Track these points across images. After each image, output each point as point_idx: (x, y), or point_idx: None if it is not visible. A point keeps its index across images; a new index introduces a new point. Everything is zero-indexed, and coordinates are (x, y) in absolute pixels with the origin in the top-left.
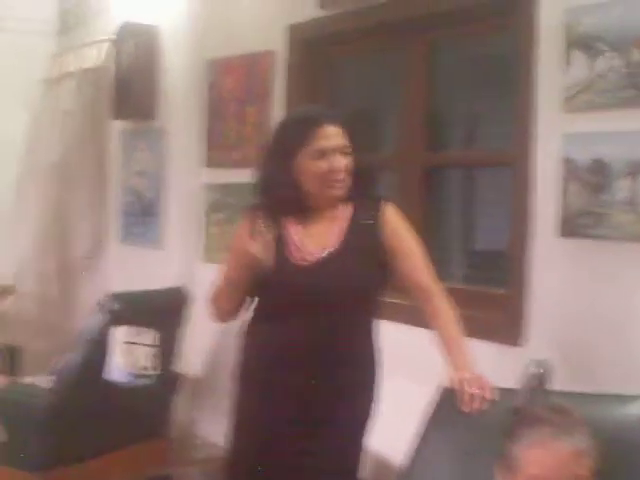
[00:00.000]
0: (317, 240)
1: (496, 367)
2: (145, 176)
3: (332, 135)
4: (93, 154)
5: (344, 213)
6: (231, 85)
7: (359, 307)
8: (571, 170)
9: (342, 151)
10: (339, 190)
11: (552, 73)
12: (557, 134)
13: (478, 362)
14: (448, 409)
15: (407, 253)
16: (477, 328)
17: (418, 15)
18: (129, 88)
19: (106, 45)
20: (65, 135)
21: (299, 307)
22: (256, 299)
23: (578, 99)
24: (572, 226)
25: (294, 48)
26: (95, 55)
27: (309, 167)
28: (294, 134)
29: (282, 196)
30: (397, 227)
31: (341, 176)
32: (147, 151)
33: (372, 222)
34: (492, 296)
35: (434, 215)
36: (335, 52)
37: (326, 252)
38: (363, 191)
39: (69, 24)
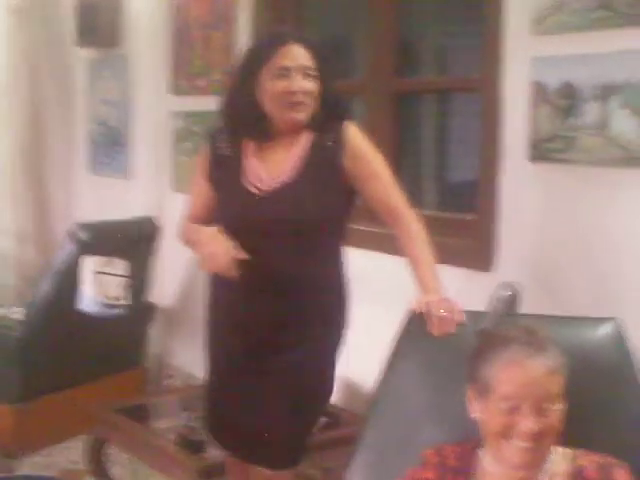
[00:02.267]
0: (274, 168)
1: (467, 292)
2: (112, 105)
3: (296, 55)
4: (60, 83)
5: (305, 138)
6: (197, 10)
7: (319, 236)
8: (540, 94)
9: (305, 73)
10: (298, 113)
11: None
12: (526, 57)
13: (449, 287)
14: (416, 333)
15: (372, 175)
16: (448, 254)
17: None
18: (93, 14)
19: None
20: (32, 64)
21: (257, 237)
22: None
23: (547, 21)
24: (541, 150)
25: None
26: None
27: (269, 86)
28: (258, 52)
29: (242, 116)
30: (359, 148)
31: (300, 98)
32: (113, 79)
33: (332, 144)
34: (463, 222)
35: (405, 142)
36: None
37: (281, 181)
38: (331, 118)
39: None
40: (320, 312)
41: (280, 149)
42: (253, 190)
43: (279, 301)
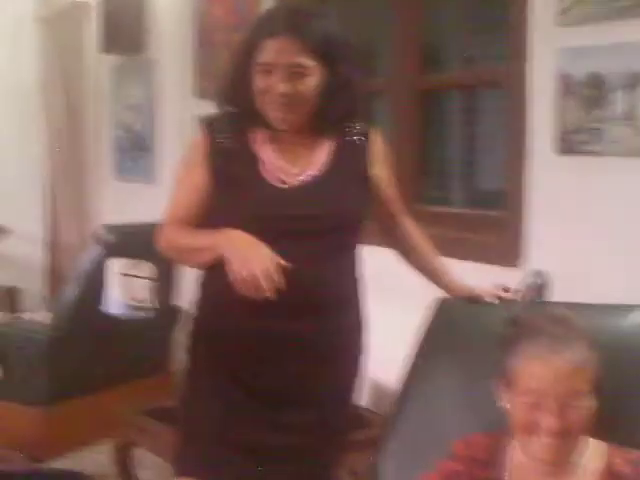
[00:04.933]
0: (297, 161)
1: None
2: (136, 110)
3: (279, 50)
4: (86, 90)
5: (329, 132)
6: (220, 13)
7: (348, 237)
8: (567, 85)
9: (293, 71)
10: (282, 113)
11: None
12: (552, 49)
13: (479, 284)
14: (444, 324)
15: (387, 180)
16: (476, 250)
17: None
18: (117, 21)
19: None
20: (62, 70)
21: (284, 239)
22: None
23: (572, 12)
24: (569, 143)
25: None
26: None
27: (254, 80)
28: (248, 41)
29: (241, 107)
30: (384, 154)
31: (280, 100)
32: (137, 84)
33: (360, 142)
34: (490, 218)
35: (431, 139)
36: None
37: (310, 174)
38: (347, 113)
39: None
40: (343, 330)
41: (299, 143)
42: (279, 184)
43: (304, 318)
